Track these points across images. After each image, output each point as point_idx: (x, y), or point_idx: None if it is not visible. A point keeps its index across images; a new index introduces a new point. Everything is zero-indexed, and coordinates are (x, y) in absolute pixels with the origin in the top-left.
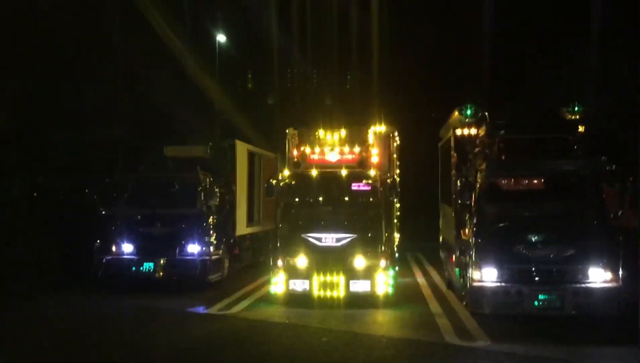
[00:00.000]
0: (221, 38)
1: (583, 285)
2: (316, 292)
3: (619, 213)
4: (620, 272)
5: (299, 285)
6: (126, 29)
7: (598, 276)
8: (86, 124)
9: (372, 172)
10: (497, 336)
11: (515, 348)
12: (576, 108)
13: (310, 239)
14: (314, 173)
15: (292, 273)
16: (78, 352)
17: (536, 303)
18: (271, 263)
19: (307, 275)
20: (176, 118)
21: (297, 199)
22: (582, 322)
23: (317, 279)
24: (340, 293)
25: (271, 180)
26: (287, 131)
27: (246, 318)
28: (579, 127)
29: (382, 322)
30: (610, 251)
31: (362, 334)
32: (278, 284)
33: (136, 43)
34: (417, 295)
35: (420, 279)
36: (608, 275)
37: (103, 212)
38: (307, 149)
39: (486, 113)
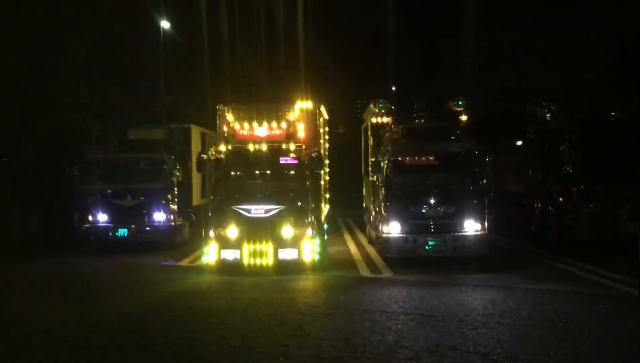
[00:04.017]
0: (165, 25)
1: (460, 234)
2: (246, 260)
3: (484, 181)
4: (486, 223)
5: (230, 254)
6: (80, 18)
7: (470, 227)
8: (50, 113)
9: (299, 146)
10: (398, 270)
11: (409, 277)
12: (460, 102)
13: (240, 210)
14: (243, 148)
15: (224, 243)
16: (84, 295)
17: (427, 247)
18: (203, 234)
19: (237, 245)
20: (128, 102)
21: (227, 173)
22: (459, 260)
23: (247, 248)
24: (269, 261)
25: (202, 155)
26: (217, 107)
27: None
28: (462, 116)
29: (313, 269)
30: (479, 209)
31: (298, 277)
32: (210, 254)
33: (89, 32)
34: (343, 248)
35: (347, 236)
36: (477, 226)
37: (82, 187)
38: (237, 125)
39: (392, 107)
